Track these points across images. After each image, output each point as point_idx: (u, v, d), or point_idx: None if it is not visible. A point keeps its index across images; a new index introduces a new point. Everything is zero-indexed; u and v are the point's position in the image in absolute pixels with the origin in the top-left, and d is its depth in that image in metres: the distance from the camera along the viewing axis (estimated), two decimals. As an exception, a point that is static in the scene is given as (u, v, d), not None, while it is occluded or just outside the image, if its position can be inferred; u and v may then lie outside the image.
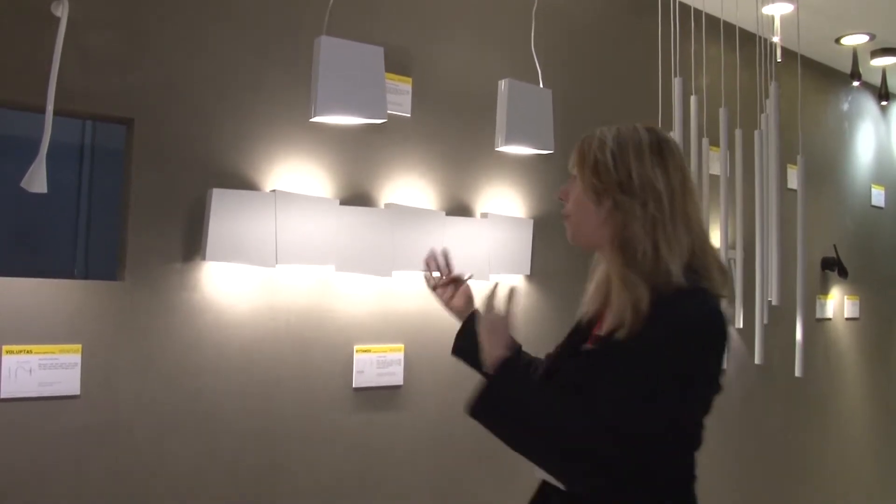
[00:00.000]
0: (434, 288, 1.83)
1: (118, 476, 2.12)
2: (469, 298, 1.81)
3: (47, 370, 2.02)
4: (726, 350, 1.35)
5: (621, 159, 1.38)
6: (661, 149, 1.40)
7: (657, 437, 1.27)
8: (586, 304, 1.52)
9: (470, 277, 1.82)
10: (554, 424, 1.30)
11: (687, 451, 1.38)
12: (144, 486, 2.16)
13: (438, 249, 1.80)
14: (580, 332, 1.52)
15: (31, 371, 2.00)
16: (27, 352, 2.00)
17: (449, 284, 1.81)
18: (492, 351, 1.39)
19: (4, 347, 1.98)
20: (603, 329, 1.42)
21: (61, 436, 2.05)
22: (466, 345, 1.70)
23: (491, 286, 1.49)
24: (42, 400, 2.02)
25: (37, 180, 1.86)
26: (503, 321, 1.43)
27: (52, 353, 2.03)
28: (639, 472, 1.28)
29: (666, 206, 1.36)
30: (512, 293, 1.45)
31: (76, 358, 2.06)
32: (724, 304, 1.38)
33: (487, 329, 1.42)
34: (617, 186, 1.38)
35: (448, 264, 1.82)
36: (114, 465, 2.12)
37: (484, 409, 1.33)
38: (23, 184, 1.86)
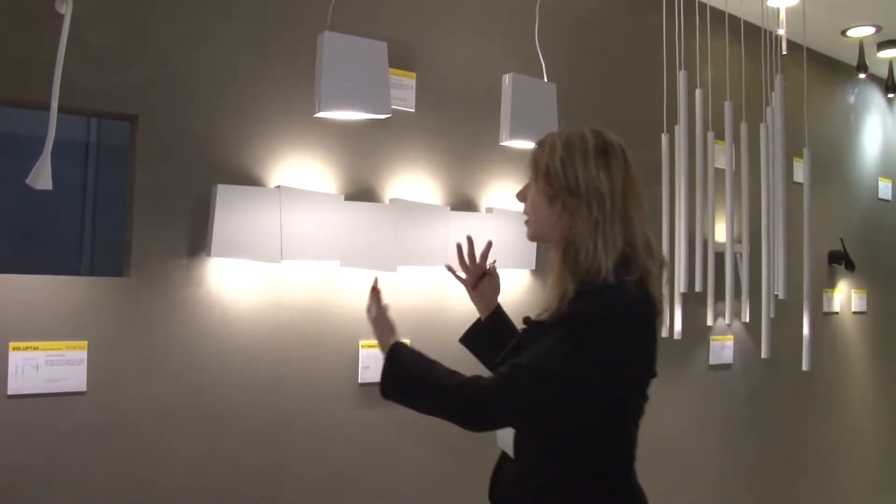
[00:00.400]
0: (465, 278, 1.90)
1: (124, 471, 2.13)
2: (496, 289, 1.89)
3: (54, 367, 2.03)
4: (641, 338, 1.51)
5: (570, 164, 1.50)
6: (606, 152, 1.51)
7: (514, 408, 1.46)
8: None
9: (494, 262, 1.89)
10: (433, 388, 1.50)
11: (603, 433, 1.52)
12: (150, 481, 2.17)
13: (465, 242, 1.89)
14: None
15: (37, 367, 2.01)
16: (34, 348, 2.01)
17: (476, 273, 1.87)
18: (382, 341, 1.62)
19: (11, 344, 1.98)
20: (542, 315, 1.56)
21: (68, 432, 2.05)
22: (475, 336, 1.86)
23: (371, 282, 1.75)
24: (49, 396, 2.03)
25: (42, 177, 1.86)
26: (382, 314, 1.66)
27: (59, 349, 2.04)
28: (556, 448, 1.49)
29: (608, 207, 1.48)
30: (374, 287, 1.72)
31: (82, 354, 2.07)
32: (647, 296, 1.50)
33: (373, 324, 1.67)
34: (566, 190, 1.50)
35: (473, 253, 1.89)
36: (120, 461, 2.12)
37: (387, 388, 1.55)
38: (28, 181, 1.86)
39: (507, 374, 1.45)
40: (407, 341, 1.63)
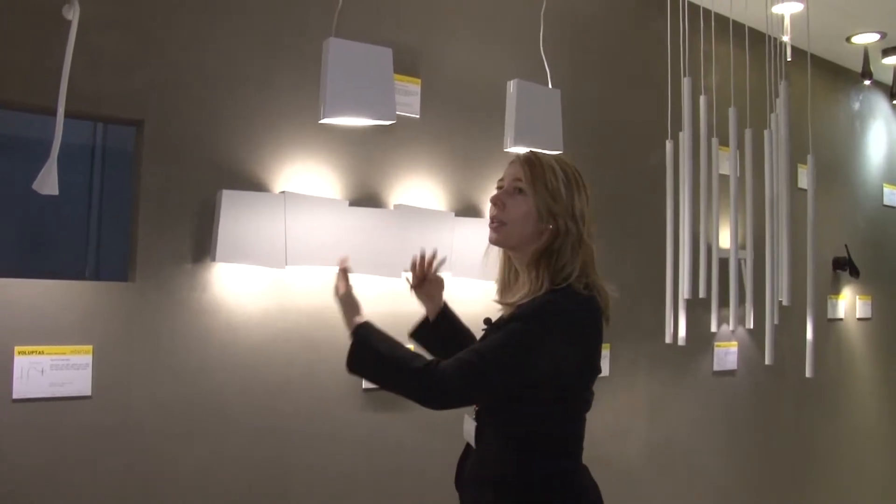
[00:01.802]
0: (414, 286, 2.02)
1: (129, 475, 2.13)
2: (440, 289, 2.02)
3: (59, 371, 2.04)
4: (589, 334, 1.66)
5: (568, 189, 1.70)
6: (582, 182, 1.74)
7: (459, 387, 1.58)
8: (502, 297, 1.82)
9: (443, 261, 2.02)
10: (396, 366, 1.63)
11: (553, 424, 1.66)
12: (156, 485, 2.17)
13: (426, 252, 2.01)
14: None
15: (42, 372, 2.02)
16: (39, 352, 2.02)
17: (424, 280, 2.01)
18: (348, 319, 1.75)
19: (16, 348, 1.99)
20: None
21: (73, 436, 2.06)
22: (422, 332, 2.01)
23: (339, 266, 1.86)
24: (54, 400, 2.03)
25: (48, 182, 1.87)
26: (349, 293, 1.78)
27: (64, 353, 2.05)
28: (511, 438, 1.64)
29: (583, 227, 1.70)
30: (342, 268, 1.83)
31: (87, 358, 2.07)
32: (596, 299, 1.68)
33: (340, 302, 1.78)
34: (567, 213, 1.69)
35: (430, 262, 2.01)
36: (125, 465, 2.13)
37: (352, 364, 1.69)
38: (34, 186, 1.87)
39: (465, 359, 1.59)
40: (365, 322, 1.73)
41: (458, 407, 1.69)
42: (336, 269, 1.84)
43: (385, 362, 1.65)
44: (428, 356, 1.67)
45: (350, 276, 1.83)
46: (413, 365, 1.60)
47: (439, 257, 2.01)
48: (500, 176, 1.76)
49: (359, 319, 1.73)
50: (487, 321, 1.78)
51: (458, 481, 1.79)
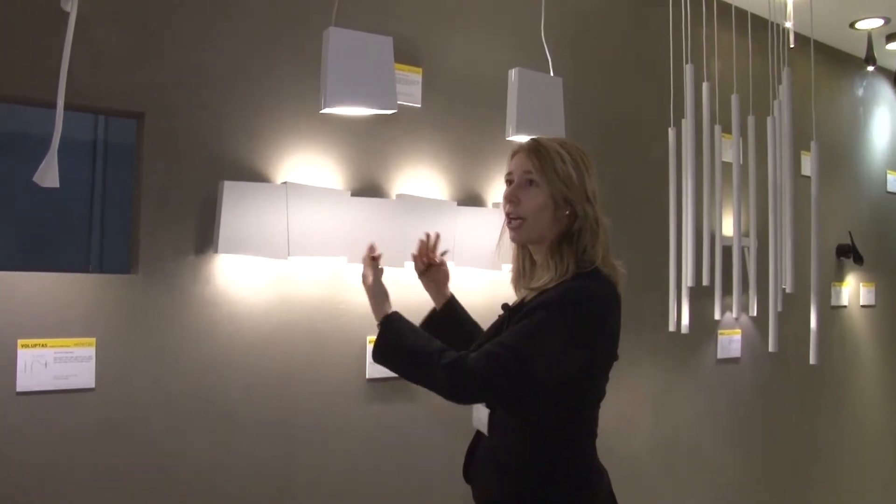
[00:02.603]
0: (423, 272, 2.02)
1: (133, 467, 2.14)
2: (446, 277, 2.03)
3: (62, 363, 2.04)
4: (614, 321, 1.65)
5: (577, 171, 1.68)
6: (588, 162, 1.72)
7: (491, 377, 1.54)
8: (516, 287, 1.80)
9: (445, 253, 2.02)
10: (423, 359, 1.60)
11: (572, 411, 1.64)
12: (159, 477, 2.18)
13: (431, 236, 2.00)
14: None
15: (46, 364, 2.02)
16: (42, 345, 2.02)
17: (430, 266, 2.01)
18: (377, 310, 1.72)
19: (20, 341, 1.99)
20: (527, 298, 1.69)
21: (76, 428, 2.06)
22: (431, 325, 1.97)
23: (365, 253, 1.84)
24: (57, 393, 2.04)
25: (49, 175, 1.87)
26: (378, 282, 1.76)
27: (67, 346, 2.05)
28: (528, 426, 1.61)
29: (598, 211, 1.69)
30: (372, 256, 1.81)
31: (91, 351, 2.08)
32: (616, 286, 1.68)
33: (370, 294, 1.76)
34: (580, 195, 1.67)
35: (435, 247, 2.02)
36: (129, 457, 2.13)
37: (379, 354, 1.67)
38: (35, 179, 1.86)
39: (493, 352, 1.55)
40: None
41: (484, 402, 1.68)
42: (365, 262, 1.82)
43: (412, 355, 1.63)
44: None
45: (380, 265, 1.81)
46: (441, 359, 1.57)
47: (441, 245, 1.99)
48: (502, 165, 1.76)
49: (387, 309, 1.71)
50: (505, 307, 1.75)
51: (469, 471, 1.76)
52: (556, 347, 1.55)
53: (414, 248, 1.97)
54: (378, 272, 1.80)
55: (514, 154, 1.76)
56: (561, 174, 1.66)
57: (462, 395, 1.60)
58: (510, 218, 1.71)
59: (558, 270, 1.63)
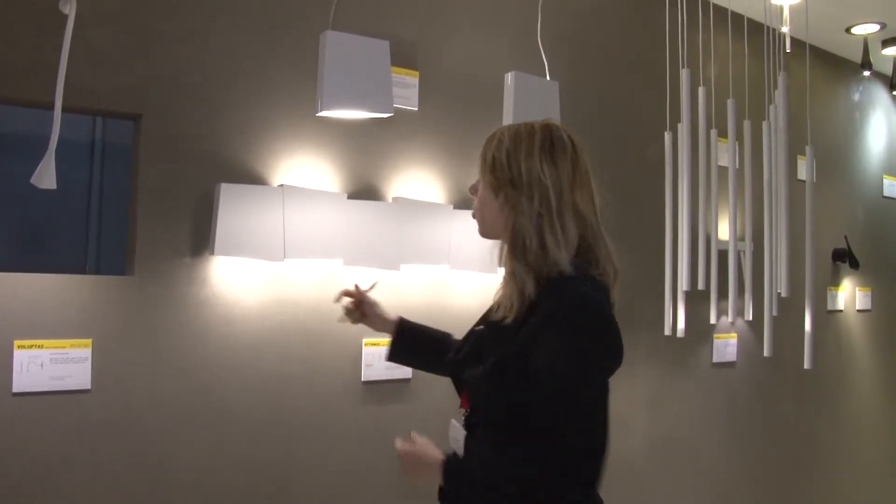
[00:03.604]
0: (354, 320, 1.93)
1: (129, 468, 2.14)
2: (376, 306, 1.92)
3: (58, 364, 2.04)
4: (617, 327, 1.46)
5: (514, 156, 1.48)
6: (553, 145, 1.49)
7: (586, 439, 1.41)
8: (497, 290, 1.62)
9: (373, 286, 1.93)
10: (508, 486, 1.41)
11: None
12: (155, 478, 2.18)
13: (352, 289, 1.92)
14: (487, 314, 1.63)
15: (42, 365, 2.02)
16: (38, 346, 2.02)
17: (358, 307, 1.91)
18: (428, 467, 1.49)
19: (16, 342, 1.99)
20: (498, 314, 1.52)
21: (72, 430, 2.06)
22: (399, 349, 1.90)
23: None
24: (53, 394, 2.04)
25: (46, 177, 1.87)
26: (416, 450, 1.53)
27: (63, 347, 2.05)
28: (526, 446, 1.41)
29: (553, 200, 1.45)
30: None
31: (87, 352, 2.08)
32: (611, 293, 1.50)
33: (411, 461, 1.52)
34: (508, 182, 1.48)
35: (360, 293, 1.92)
36: (125, 458, 2.13)
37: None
38: (32, 180, 1.87)
39: (559, 409, 1.39)
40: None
41: (604, 457, 1.45)
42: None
43: (497, 489, 1.43)
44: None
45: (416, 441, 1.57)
46: (527, 471, 1.39)
47: (368, 283, 1.93)
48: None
49: (438, 460, 1.48)
50: (485, 321, 1.60)
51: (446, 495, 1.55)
52: (589, 363, 1.43)
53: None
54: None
55: None
56: (488, 160, 1.53)
57: (578, 475, 1.41)
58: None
59: (516, 285, 1.46)
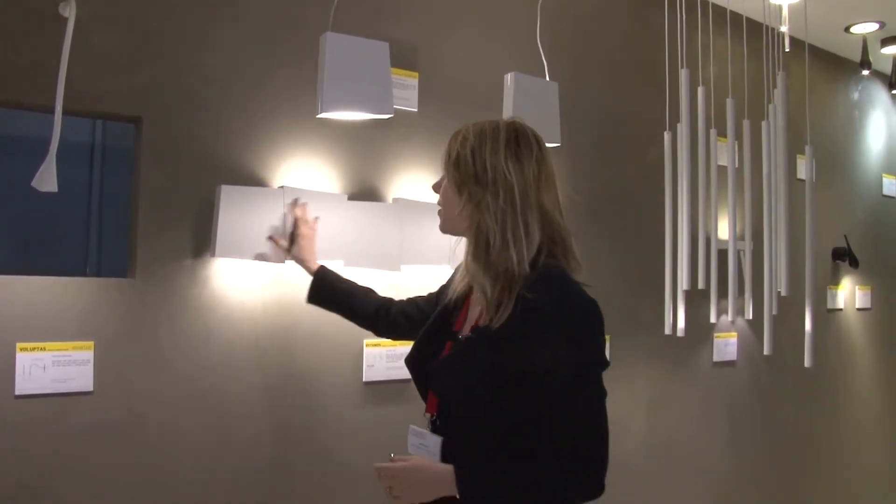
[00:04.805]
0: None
1: (131, 470, 2.15)
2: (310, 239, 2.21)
3: (61, 367, 2.05)
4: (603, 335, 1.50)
5: (479, 153, 1.49)
6: (518, 143, 1.49)
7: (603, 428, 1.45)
8: (454, 284, 1.67)
9: (295, 202, 2.21)
10: (543, 493, 1.42)
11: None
12: (158, 479, 2.18)
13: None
14: (447, 313, 1.67)
15: (44, 368, 2.02)
16: (41, 349, 2.02)
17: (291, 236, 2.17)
18: (436, 481, 1.46)
19: (18, 345, 2.00)
20: (480, 317, 1.53)
21: (75, 432, 2.07)
22: (320, 294, 2.15)
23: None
24: (56, 396, 2.04)
25: (47, 180, 1.88)
26: (414, 465, 1.51)
27: (66, 349, 2.05)
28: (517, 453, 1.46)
29: (517, 197, 1.45)
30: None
31: (89, 355, 2.08)
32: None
33: (409, 479, 1.50)
34: (472, 179, 1.48)
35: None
36: (127, 460, 2.14)
37: None
38: (33, 183, 1.88)
39: (582, 415, 1.43)
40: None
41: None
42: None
43: (526, 498, 1.44)
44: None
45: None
46: (550, 474, 1.42)
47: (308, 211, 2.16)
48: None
49: (450, 476, 1.45)
50: (445, 314, 1.65)
51: None
52: (597, 357, 1.47)
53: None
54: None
55: None
56: (454, 154, 1.53)
57: (601, 477, 1.45)
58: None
59: (478, 286, 1.48)
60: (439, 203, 1.61)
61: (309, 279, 2.19)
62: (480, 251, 1.47)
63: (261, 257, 2.22)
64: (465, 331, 1.60)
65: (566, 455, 1.42)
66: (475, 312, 1.58)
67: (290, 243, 2.23)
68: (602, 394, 1.48)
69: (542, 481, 1.42)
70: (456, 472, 1.45)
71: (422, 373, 1.63)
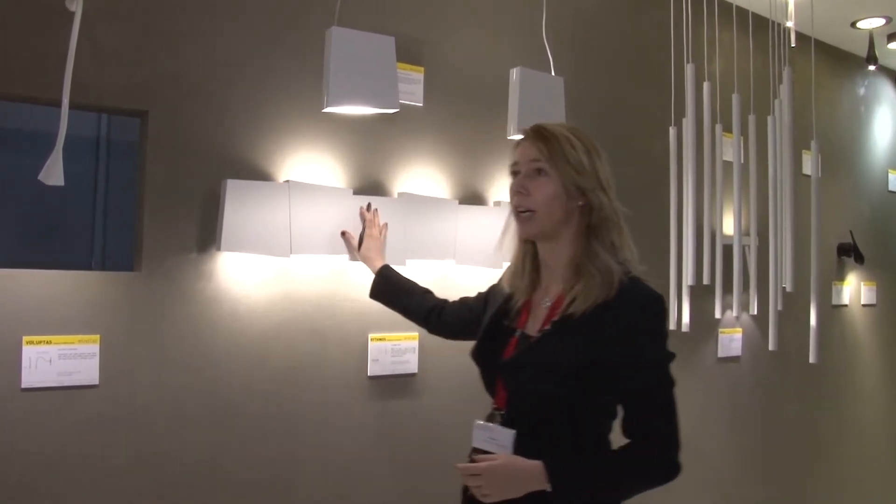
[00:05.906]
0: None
1: (136, 463, 2.15)
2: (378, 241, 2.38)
3: (67, 360, 2.05)
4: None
5: (589, 157, 1.58)
6: (598, 147, 1.62)
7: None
8: (513, 287, 1.70)
9: (368, 207, 2.41)
10: (632, 478, 1.55)
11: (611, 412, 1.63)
12: (162, 472, 2.19)
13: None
14: (503, 312, 1.70)
15: (50, 361, 2.03)
16: (47, 342, 2.03)
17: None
18: (529, 477, 1.49)
19: (25, 338, 2.01)
20: (552, 313, 1.59)
21: (81, 425, 2.08)
22: (380, 291, 2.25)
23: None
24: (62, 390, 2.05)
25: (54, 173, 1.88)
26: (503, 463, 1.52)
27: (71, 343, 2.06)
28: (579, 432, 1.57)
29: (616, 200, 1.61)
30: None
31: (94, 348, 2.09)
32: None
33: (500, 475, 1.52)
34: (596, 183, 1.58)
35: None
36: (132, 453, 2.15)
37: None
38: (40, 177, 1.88)
39: (662, 403, 1.53)
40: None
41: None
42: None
43: (617, 484, 1.55)
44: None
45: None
46: (643, 465, 1.53)
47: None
48: (503, 164, 1.75)
49: (541, 472, 1.49)
50: (505, 315, 1.69)
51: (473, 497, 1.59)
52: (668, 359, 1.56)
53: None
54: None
55: (518, 142, 1.63)
56: (571, 160, 1.55)
57: (677, 462, 1.54)
58: (519, 211, 1.59)
59: (604, 276, 1.53)
60: (534, 207, 1.58)
61: (371, 276, 2.31)
62: (598, 250, 1.55)
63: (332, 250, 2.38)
64: (533, 328, 1.62)
65: (651, 441, 1.51)
66: (541, 311, 1.63)
67: (359, 243, 2.38)
68: (674, 383, 1.55)
69: (631, 468, 1.52)
70: (547, 467, 1.48)
71: (491, 368, 1.66)
